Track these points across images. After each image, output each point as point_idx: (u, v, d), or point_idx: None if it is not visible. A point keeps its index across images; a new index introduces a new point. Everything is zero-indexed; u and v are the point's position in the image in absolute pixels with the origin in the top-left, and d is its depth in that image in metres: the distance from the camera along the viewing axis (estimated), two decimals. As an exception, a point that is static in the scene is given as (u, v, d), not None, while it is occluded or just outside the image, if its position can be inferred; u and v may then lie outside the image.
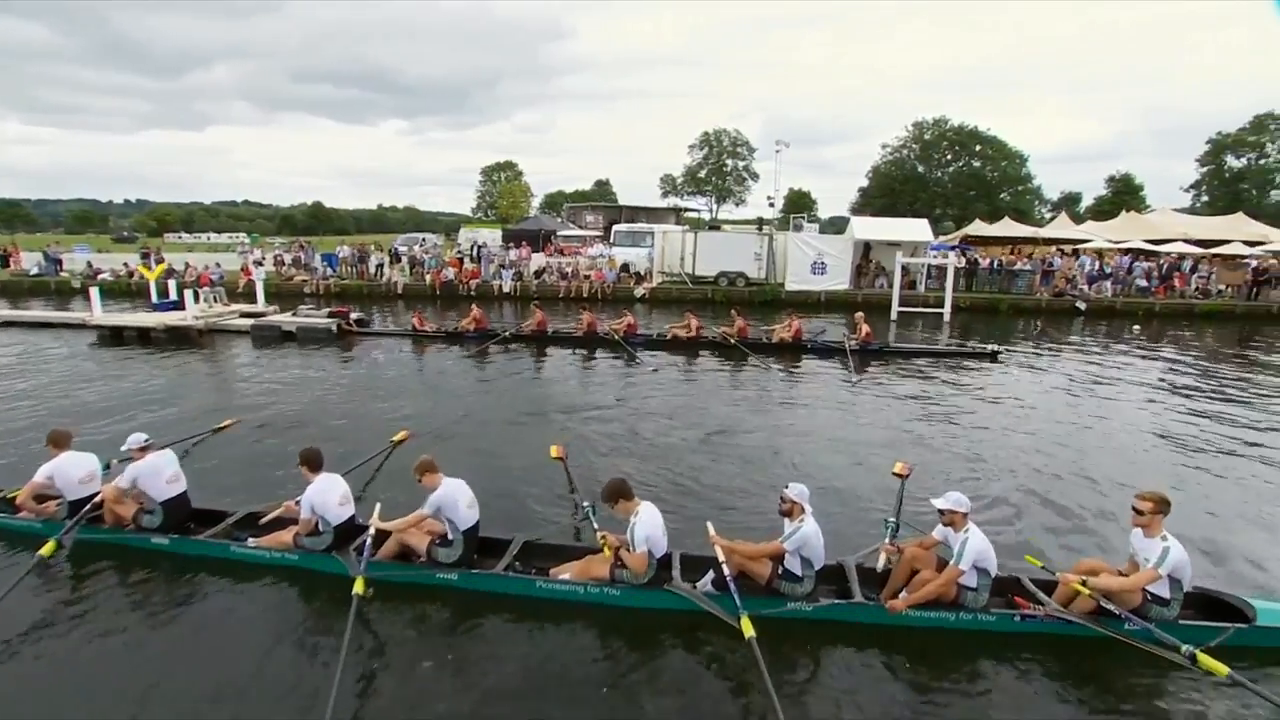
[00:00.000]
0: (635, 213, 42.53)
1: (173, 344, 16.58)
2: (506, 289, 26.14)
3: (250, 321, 18.02)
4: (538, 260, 27.83)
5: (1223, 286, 25.49)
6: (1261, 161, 57.74)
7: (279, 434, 9.60)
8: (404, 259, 28.06)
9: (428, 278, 26.50)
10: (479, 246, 27.51)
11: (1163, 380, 14.25)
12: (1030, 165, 65.04)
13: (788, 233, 25.95)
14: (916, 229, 25.79)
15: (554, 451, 8.08)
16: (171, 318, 17.99)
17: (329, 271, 27.76)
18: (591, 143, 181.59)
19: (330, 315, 18.21)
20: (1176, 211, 44.79)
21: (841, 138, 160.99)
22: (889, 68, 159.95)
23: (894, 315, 21.81)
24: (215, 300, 20.11)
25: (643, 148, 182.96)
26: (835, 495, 7.58)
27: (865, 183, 70.75)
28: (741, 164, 78.21)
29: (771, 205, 28.36)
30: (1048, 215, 62.39)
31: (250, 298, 21.49)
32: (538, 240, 29.36)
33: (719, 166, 77.77)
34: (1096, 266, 25.52)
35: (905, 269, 26.14)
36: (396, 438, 8.89)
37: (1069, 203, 67.83)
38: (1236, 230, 36.88)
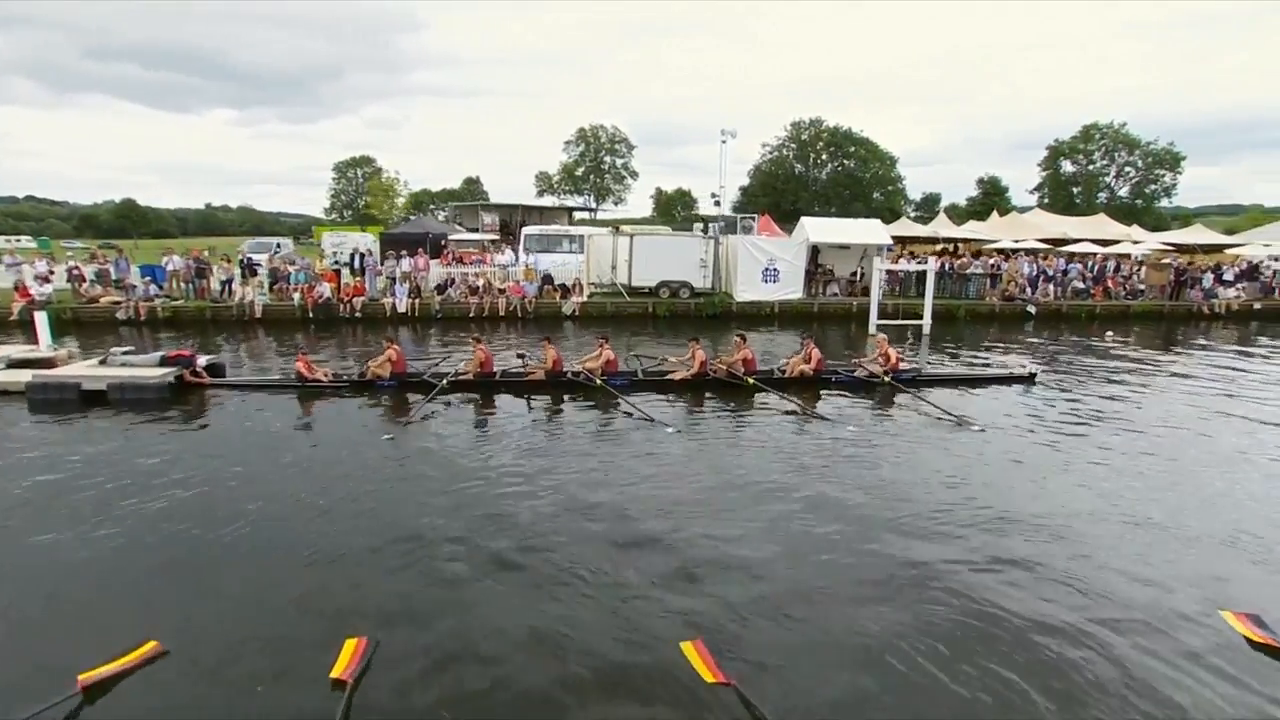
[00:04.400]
0: (529, 213, 38.03)
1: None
2: (401, 309, 20.96)
3: (25, 376, 11.91)
4: (436, 272, 22.80)
5: (1143, 287, 25.76)
6: (1090, 167, 63.49)
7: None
8: (261, 273, 21.87)
9: (296, 296, 20.68)
10: (361, 255, 21.96)
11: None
12: (898, 167, 67.47)
13: (737, 236, 22.99)
14: (871, 230, 23.77)
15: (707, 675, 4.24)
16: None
17: (153, 289, 21.06)
18: (453, 140, 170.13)
19: (165, 362, 12.56)
20: (1041, 211, 47.62)
21: (708, 139, 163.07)
22: (747, 73, 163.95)
23: (873, 329, 19.40)
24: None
25: (512, 146, 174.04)
26: None
27: (746, 182, 70.34)
28: (620, 161, 75.27)
29: (717, 203, 25.11)
30: (913, 215, 65.23)
31: (28, 332, 14.95)
32: (424, 246, 24.24)
33: (597, 164, 74.26)
34: (1036, 269, 24.85)
35: (856, 274, 24.23)
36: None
37: (930, 203, 71.46)
38: (1101, 229, 39.33)
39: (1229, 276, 25.18)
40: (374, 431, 10.35)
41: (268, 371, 14.22)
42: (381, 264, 21.81)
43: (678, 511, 7.38)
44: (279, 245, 31.84)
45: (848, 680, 4.78)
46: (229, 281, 21.67)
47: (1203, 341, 20.33)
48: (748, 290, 22.53)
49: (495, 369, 13.03)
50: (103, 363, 12.55)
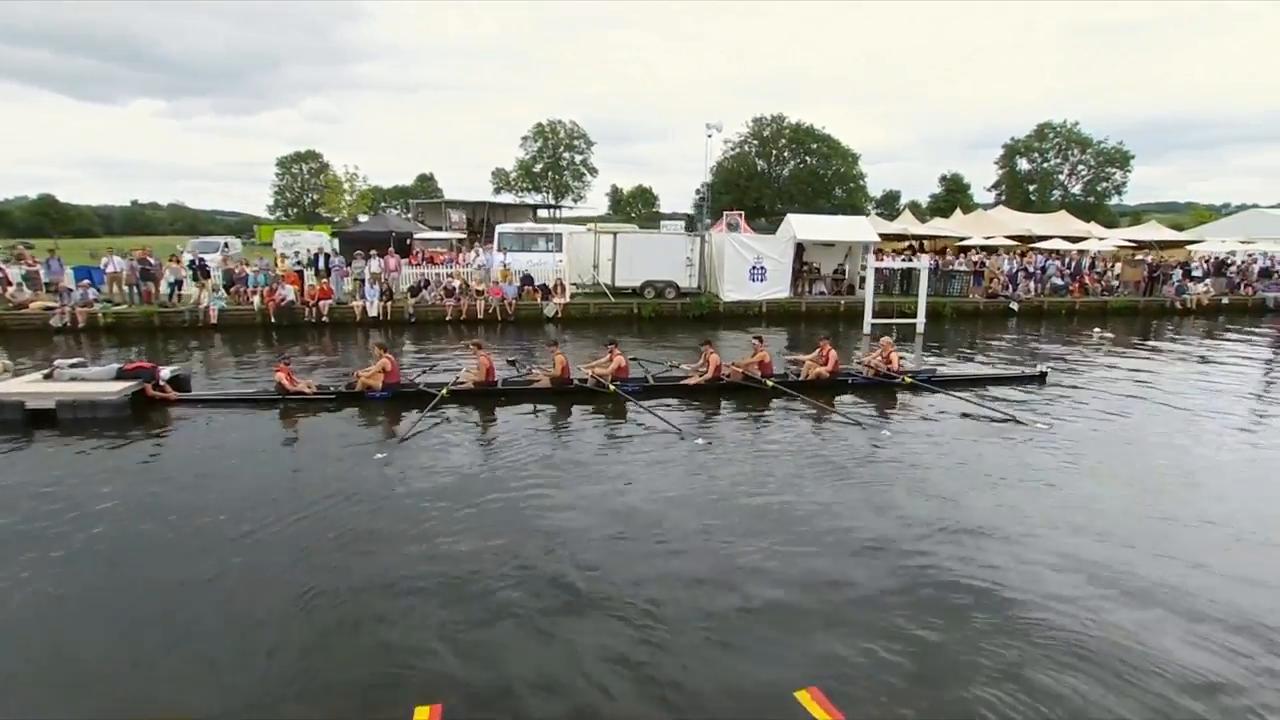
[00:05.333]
0: (493, 210, 36.70)
1: None
2: (373, 312, 19.59)
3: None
4: (408, 273, 21.45)
5: (1117, 284, 26.22)
6: (1044, 165, 65.40)
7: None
8: (215, 274, 20.15)
9: (256, 300, 19.11)
10: (326, 256, 20.45)
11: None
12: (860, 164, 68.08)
13: (723, 234, 22.31)
14: (858, 228, 23.42)
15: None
16: None
17: (91, 294, 19.17)
18: (400, 136, 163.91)
19: (122, 374, 11.13)
20: (1005, 208, 48.57)
21: (660, 136, 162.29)
22: (697, 70, 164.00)
23: (867, 328, 19.01)
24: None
25: (464, 142, 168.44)
26: None
27: (709, 178, 69.84)
28: (580, 158, 74.01)
29: (701, 201, 24.37)
30: (874, 211, 66.13)
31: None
32: (389, 245, 22.86)
33: (556, 160, 72.83)
34: (1017, 266, 24.98)
35: (840, 272, 23.90)
36: None
37: (891, 200, 72.53)
38: (1063, 226, 40.30)
39: (1197, 273, 25.80)
40: (371, 450, 9.23)
41: (235, 384, 12.86)
42: (349, 265, 20.36)
43: (743, 536, 6.61)
44: (227, 244, 29.75)
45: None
46: (178, 284, 19.91)
47: (1184, 335, 20.71)
48: (735, 290, 21.92)
49: (497, 376, 12.02)
50: (48, 377, 11.04)
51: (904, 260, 23.15)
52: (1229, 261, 27.23)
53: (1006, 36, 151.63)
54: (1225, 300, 25.06)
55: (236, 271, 19.93)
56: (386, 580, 5.80)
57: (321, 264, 20.44)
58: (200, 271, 19.61)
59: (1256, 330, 21.94)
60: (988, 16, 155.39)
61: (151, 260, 19.83)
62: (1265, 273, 27.67)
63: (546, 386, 11.85)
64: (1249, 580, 5.90)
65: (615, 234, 22.68)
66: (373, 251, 20.60)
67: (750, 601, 5.48)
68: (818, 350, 12.88)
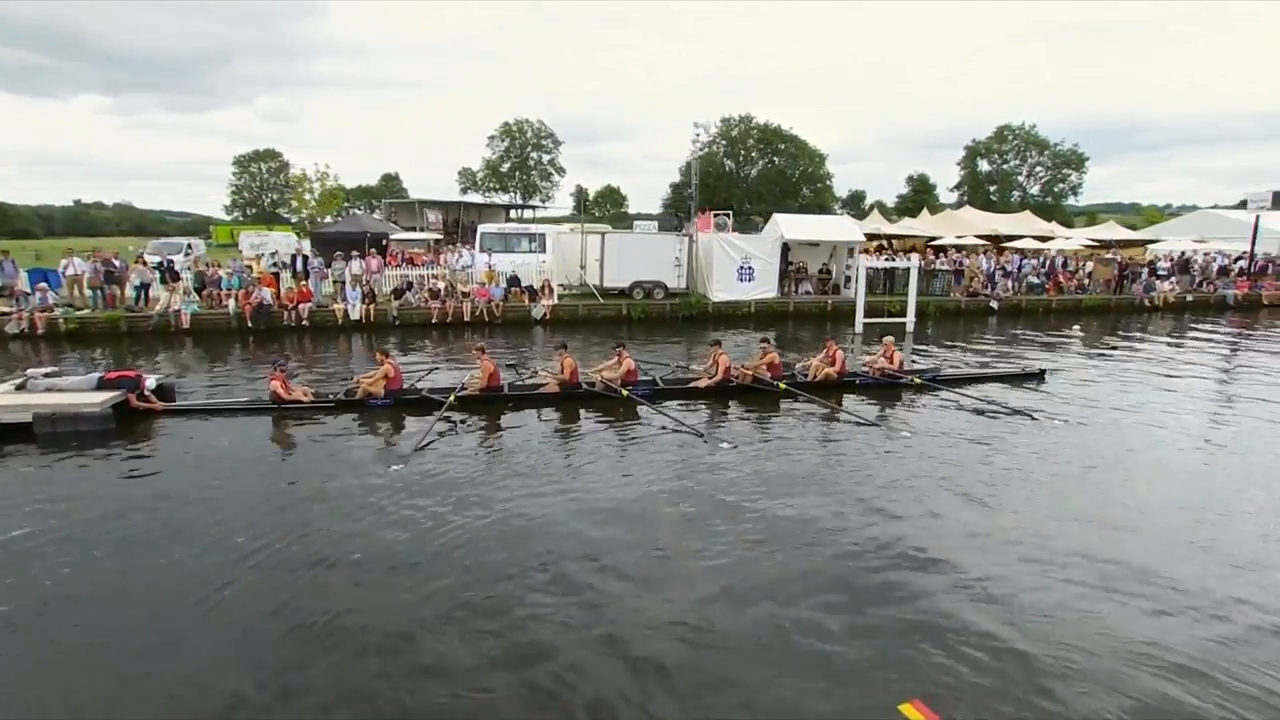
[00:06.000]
0: (467, 210, 36.01)
1: None
2: (355, 315, 18.91)
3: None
4: (391, 274, 20.80)
5: (1088, 282, 26.92)
6: (1004, 166, 67.16)
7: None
8: (186, 277, 19.21)
9: (231, 303, 18.27)
10: (305, 257, 19.68)
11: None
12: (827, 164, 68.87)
13: (712, 234, 22.17)
14: (843, 227, 23.54)
15: None
16: None
17: (49, 298, 18.09)
18: (360, 135, 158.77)
19: (103, 384, 10.44)
20: (971, 208, 49.63)
21: (623, 135, 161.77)
22: (657, 69, 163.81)
23: (859, 328, 19.07)
24: None
25: (426, 142, 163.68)
26: None
27: (677, 178, 69.97)
28: (547, 158, 73.32)
29: (690, 199, 24.20)
30: (841, 211, 67.06)
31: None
32: (364, 246, 22.16)
33: (524, 160, 72.01)
34: (995, 266, 25.45)
35: (826, 270, 24.01)
36: None
37: (857, 200, 73.59)
38: (1029, 226, 41.37)
39: (1163, 271, 26.66)
40: (378, 459, 8.82)
41: (217, 392, 12.21)
42: (329, 266, 19.62)
43: (797, 545, 6.43)
44: (190, 245, 28.47)
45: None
46: (145, 287, 18.94)
47: (1158, 331, 21.33)
48: (723, 290, 21.82)
49: (502, 381, 11.64)
50: (21, 388, 10.29)
51: (886, 260, 23.34)
52: (1192, 260, 28.22)
53: (964, 39, 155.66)
54: (1190, 298, 25.94)
55: (209, 274, 19.03)
56: (416, 600, 5.48)
57: (299, 265, 19.64)
58: (169, 274, 18.66)
59: (1220, 325, 22.77)
60: (943, 20, 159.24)
61: (116, 262, 18.83)
62: (1223, 270, 28.74)
63: (554, 391, 11.53)
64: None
65: (603, 234, 22.39)
66: (353, 253, 19.90)
67: (829, 615, 5.29)
68: (824, 351, 12.81)
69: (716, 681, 4.54)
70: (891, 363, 12.87)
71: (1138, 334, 20.90)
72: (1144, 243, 36.66)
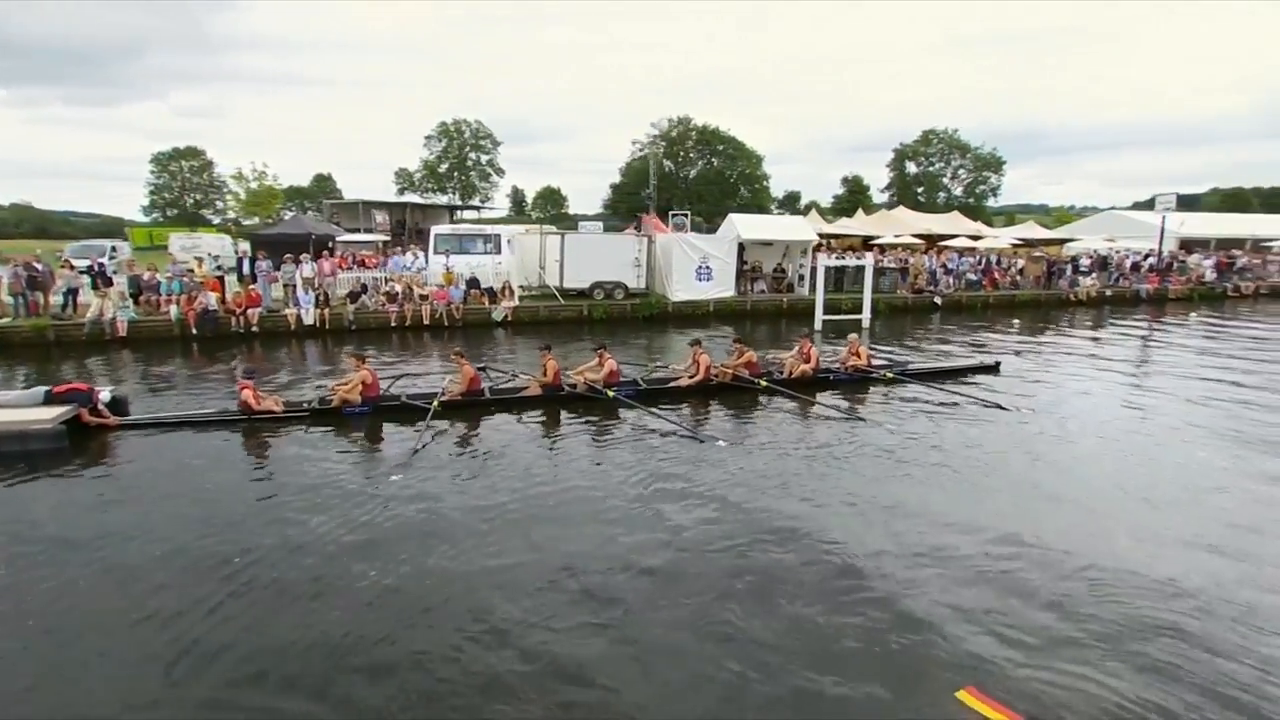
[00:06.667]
0: (414, 211, 35.12)
1: None
2: (309, 320, 18.15)
3: None
4: (344, 277, 20.07)
5: (1019, 277, 28.51)
6: (930, 169, 70.30)
7: None
8: (119, 281, 17.98)
9: (173, 309, 17.22)
10: (252, 260, 18.74)
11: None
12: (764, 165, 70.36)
13: (670, 235, 22.32)
14: (797, 228, 24.13)
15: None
16: None
17: (-38, 307, 16.63)
18: (289, 134, 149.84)
19: (51, 398, 9.68)
20: (904, 209, 51.71)
21: (557, 136, 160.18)
22: (587, 68, 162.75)
23: (818, 325, 19.62)
24: None
25: (358, 142, 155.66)
26: None
27: (618, 179, 70.19)
28: (485, 158, 72.18)
29: (649, 199, 24.29)
30: (777, 211, 68.71)
31: None
32: (308, 248, 21.31)
33: (462, 160, 70.66)
34: (937, 264, 26.64)
35: (780, 269, 24.59)
36: None
37: (792, 200, 75.50)
38: (959, 226, 43.49)
39: (1084, 268, 28.51)
40: (374, 470, 8.54)
41: (170, 404, 11.50)
42: (278, 269, 18.75)
43: (821, 539, 6.60)
44: (115, 248, 26.63)
45: None
46: (73, 293, 17.64)
47: (1085, 323, 22.84)
48: (682, 290, 22.04)
49: (483, 385, 11.44)
50: (-42, 407, 9.44)
51: (837, 258, 24.09)
52: (1109, 258, 30.30)
53: (886, 48, 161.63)
54: (1109, 292, 27.85)
55: (146, 278, 17.87)
56: (426, 619, 5.31)
57: (245, 269, 18.69)
58: (100, 279, 17.44)
59: (1136, 316, 24.59)
60: (866, 28, 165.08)
61: (39, 266, 17.45)
62: (1135, 267, 30.96)
63: (537, 394, 11.41)
64: None
65: (563, 235, 22.24)
66: (304, 255, 19.09)
67: (866, 610, 5.46)
68: (798, 349, 13.14)
69: (768, 679, 4.63)
70: (861, 359, 13.31)
71: (1067, 327, 22.30)
72: (1061, 241, 39.09)
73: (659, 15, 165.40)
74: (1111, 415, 11.23)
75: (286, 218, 46.68)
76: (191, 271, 18.27)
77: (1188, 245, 35.55)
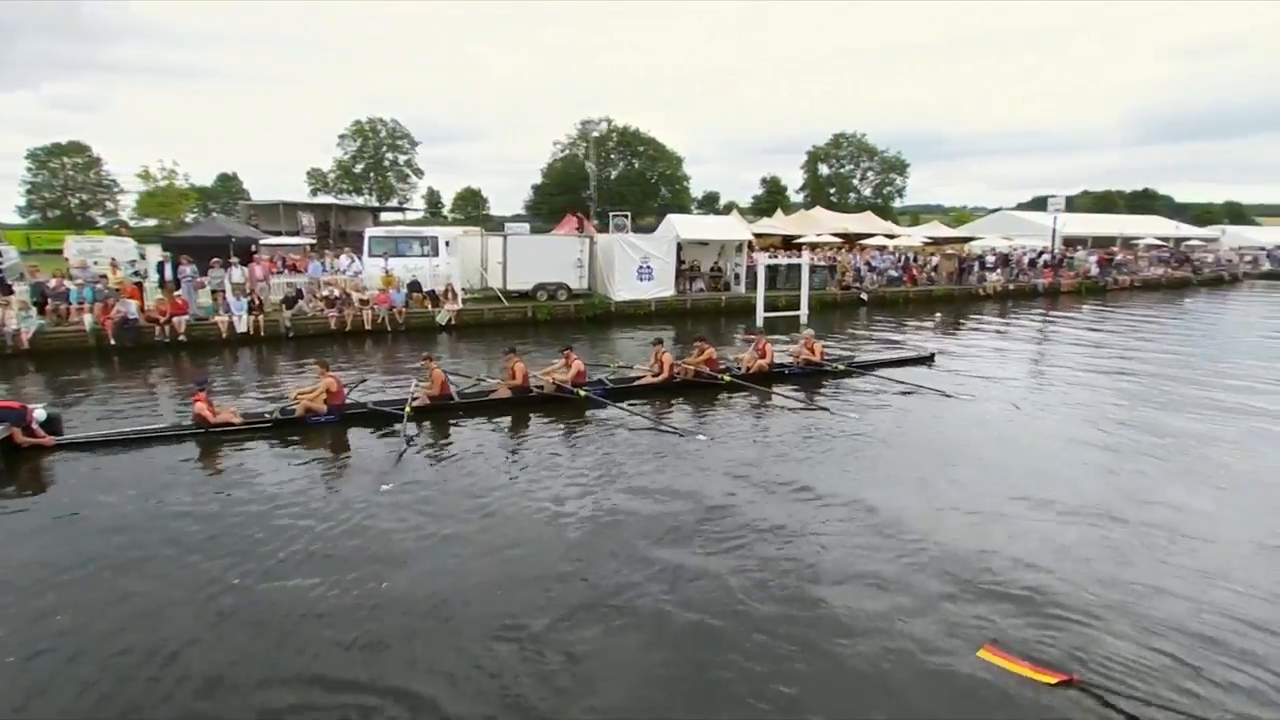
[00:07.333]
0: (338, 213, 33.76)
1: None
2: (242, 328, 17.23)
3: None
4: (276, 282, 19.14)
5: (934, 274, 30.46)
6: (841, 170, 73.59)
7: None
8: (20, 289, 16.46)
9: (87, 318, 15.95)
10: (175, 265, 17.55)
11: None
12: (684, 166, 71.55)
13: (611, 235, 22.48)
14: (732, 227, 24.83)
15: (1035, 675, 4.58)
16: None
17: None
18: (185, 130, 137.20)
19: (-22, 420, 8.90)
20: (822, 209, 53.88)
21: (474, 137, 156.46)
22: (493, 68, 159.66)
23: (760, 322, 20.34)
24: None
25: (261, 140, 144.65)
26: None
27: (539, 180, 69.72)
28: (403, 158, 69.99)
29: (590, 200, 24.31)
30: (697, 211, 70.07)
31: None
32: (229, 251, 20.24)
33: (378, 160, 68.24)
34: (861, 261, 28.09)
35: (717, 268, 25.28)
36: None
37: (711, 200, 77.11)
38: (871, 225, 45.83)
39: (990, 264, 30.79)
40: (344, 483, 8.35)
41: (93, 420, 10.71)
42: (204, 274, 17.69)
43: (821, 522, 7.04)
44: (1, 253, 24.18)
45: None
46: (-35, 303, 16.03)
47: (994, 315, 24.74)
48: (624, 290, 22.31)
49: (451, 390, 11.32)
50: None
51: (770, 257, 25.02)
52: (1011, 255, 32.85)
53: (793, 54, 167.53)
54: (1012, 286, 30.21)
55: (53, 285, 16.46)
56: (443, 629, 5.37)
57: (168, 274, 17.53)
58: (1, 287, 15.96)
59: (1035, 308, 26.84)
60: (776, 34, 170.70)
61: (-76, 275, 15.79)
62: (1032, 264, 33.68)
63: (506, 396, 11.41)
64: None
65: (505, 237, 22.04)
66: (233, 259, 18.10)
67: (879, 581, 5.92)
68: (753, 346, 13.67)
69: (810, 651, 4.98)
70: (814, 354, 13.98)
71: (980, 318, 24.07)
72: (964, 240, 41.92)
73: (582, 15, 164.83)
74: (1041, 394, 12.63)
75: (189, 219, 43.77)
76: (105, 277, 16.95)
77: (1069, 243, 38.99)
